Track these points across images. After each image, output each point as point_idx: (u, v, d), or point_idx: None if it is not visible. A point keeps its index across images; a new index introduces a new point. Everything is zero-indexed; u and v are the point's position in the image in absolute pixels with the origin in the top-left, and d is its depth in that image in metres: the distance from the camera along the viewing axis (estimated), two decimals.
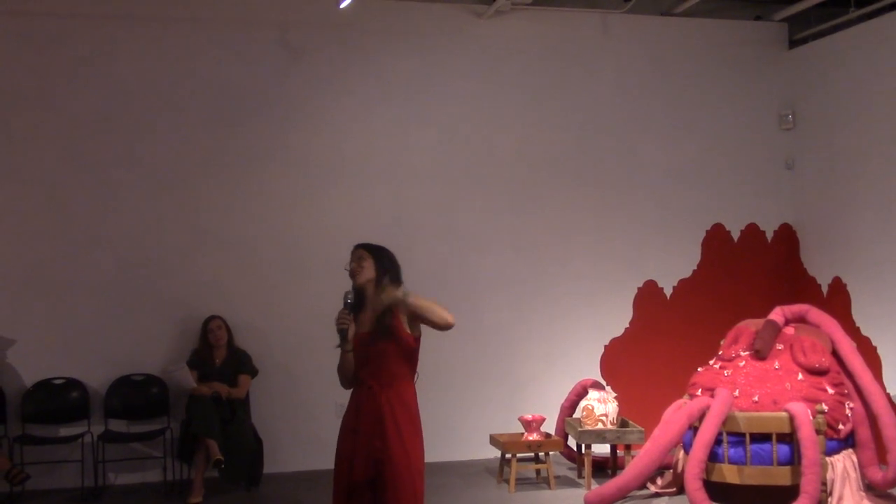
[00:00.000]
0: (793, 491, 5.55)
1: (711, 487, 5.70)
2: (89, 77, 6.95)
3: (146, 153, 7.03)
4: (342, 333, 4.03)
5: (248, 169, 7.21)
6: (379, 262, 4.09)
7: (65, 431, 6.71)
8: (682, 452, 6.17)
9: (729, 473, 5.76)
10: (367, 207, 7.34)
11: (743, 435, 5.75)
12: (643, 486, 6.25)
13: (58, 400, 6.75)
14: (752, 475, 5.72)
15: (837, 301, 7.48)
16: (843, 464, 5.79)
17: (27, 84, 6.84)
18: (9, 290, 6.77)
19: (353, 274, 4.08)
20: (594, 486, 6.45)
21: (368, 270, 4.06)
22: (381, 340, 3.96)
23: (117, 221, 6.96)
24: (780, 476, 5.69)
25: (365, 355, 4.00)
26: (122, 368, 6.88)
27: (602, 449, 7.00)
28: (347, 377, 4.10)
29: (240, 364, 6.82)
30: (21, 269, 6.80)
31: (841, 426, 5.84)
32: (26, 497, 6.48)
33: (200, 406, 6.40)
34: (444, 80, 7.58)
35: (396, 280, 4.08)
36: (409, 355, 4.02)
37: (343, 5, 6.78)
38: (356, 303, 4.06)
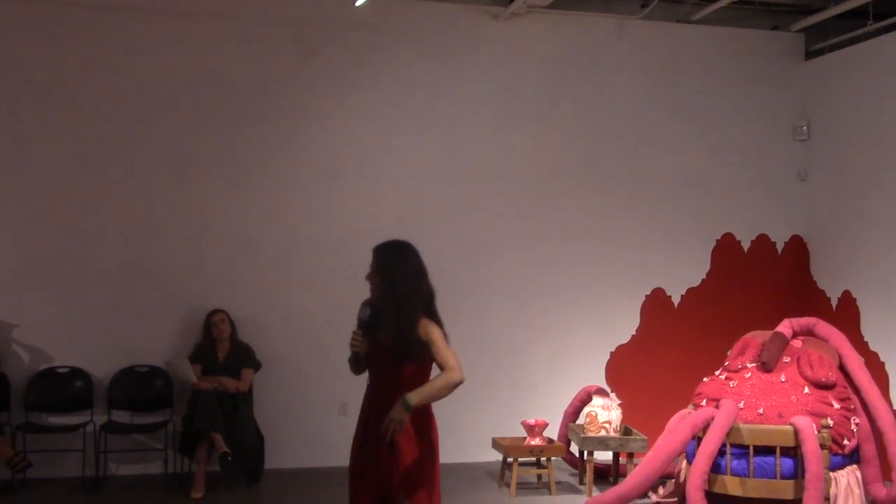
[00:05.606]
0: None
1: (713, 499, 5.66)
2: (100, 70, 6.95)
3: (155, 147, 7.03)
4: (355, 356, 3.78)
5: (255, 165, 7.21)
6: (382, 280, 3.73)
7: (68, 420, 6.72)
8: (684, 462, 6.13)
9: (731, 485, 5.71)
10: (374, 207, 7.33)
11: (747, 447, 5.70)
12: (644, 495, 6.21)
13: (62, 389, 6.77)
14: (755, 488, 5.67)
15: (846, 315, 7.43)
16: (846, 479, 5.74)
17: (39, 76, 6.85)
18: (17, 279, 6.79)
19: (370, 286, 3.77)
20: (595, 493, 6.42)
21: (376, 289, 3.75)
22: (394, 359, 3.70)
23: (125, 214, 6.97)
24: (782, 490, 5.64)
25: (377, 369, 3.78)
26: (126, 359, 6.90)
27: (604, 456, 6.97)
28: (358, 368, 3.88)
29: (243, 358, 6.82)
30: (29, 259, 6.81)
31: (846, 441, 5.79)
32: (28, 485, 6.49)
33: (203, 401, 6.40)
34: (457, 82, 7.56)
35: (409, 303, 3.68)
36: (422, 371, 3.75)
37: (358, 3, 6.77)
38: (371, 320, 3.74)
